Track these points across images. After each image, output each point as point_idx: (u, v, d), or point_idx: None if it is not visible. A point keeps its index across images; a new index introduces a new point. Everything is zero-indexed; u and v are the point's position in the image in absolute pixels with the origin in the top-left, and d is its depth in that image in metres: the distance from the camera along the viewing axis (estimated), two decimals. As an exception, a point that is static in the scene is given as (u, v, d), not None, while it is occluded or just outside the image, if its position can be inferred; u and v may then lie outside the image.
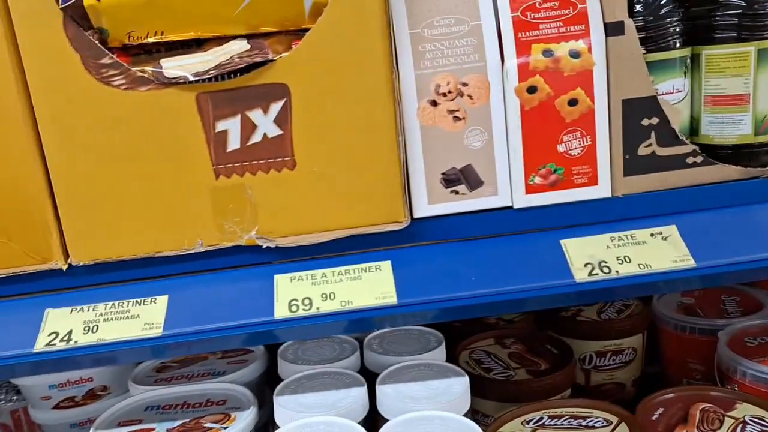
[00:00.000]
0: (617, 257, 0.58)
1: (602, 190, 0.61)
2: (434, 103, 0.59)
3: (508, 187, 0.61)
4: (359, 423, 0.65)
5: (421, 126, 0.59)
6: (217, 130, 0.56)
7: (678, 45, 0.59)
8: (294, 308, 0.58)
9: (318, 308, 0.58)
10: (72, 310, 0.59)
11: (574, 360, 0.82)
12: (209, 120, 0.56)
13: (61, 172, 0.57)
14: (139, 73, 0.54)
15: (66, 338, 0.57)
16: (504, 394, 0.78)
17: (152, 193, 0.57)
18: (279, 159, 0.57)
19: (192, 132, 0.56)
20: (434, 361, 0.74)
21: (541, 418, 0.68)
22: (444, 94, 0.58)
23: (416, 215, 0.61)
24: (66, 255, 0.59)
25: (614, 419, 0.65)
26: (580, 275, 0.58)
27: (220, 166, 0.57)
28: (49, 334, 0.57)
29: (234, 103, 0.55)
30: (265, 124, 0.56)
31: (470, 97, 0.59)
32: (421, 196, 0.60)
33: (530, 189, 0.60)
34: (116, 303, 0.59)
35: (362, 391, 0.67)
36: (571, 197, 0.61)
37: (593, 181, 0.60)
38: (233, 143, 0.57)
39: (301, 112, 0.56)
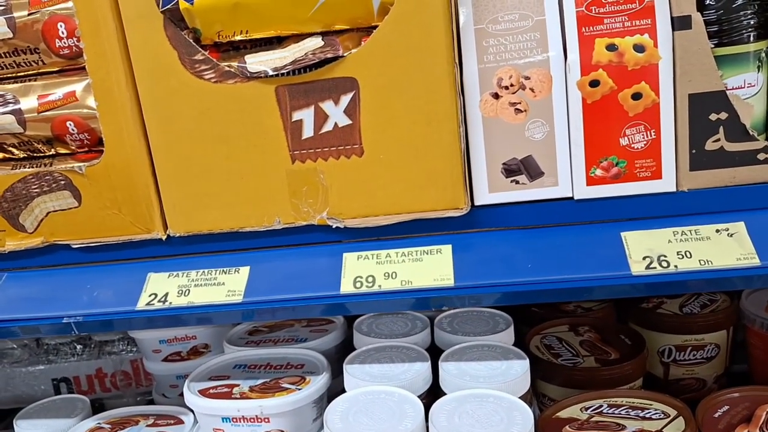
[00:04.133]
0: (678, 252, 0.58)
1: (666, 184, 0.60)
2: (496, 96, 0.61)
3: (568, 179, 0.62)
4: (420, 396, 0.69)
5: (483, 117, 0.61)
6: (293, 119, 0.62)
7: (752, 39, 0.57)
8: (358, 285, 0.63)
9: (380, 286, 0.62)
10: (169, 275, 0.67)
11: (644, 352, 0.81)
12: (286, 110, 0.62)
13: (162, 154, 0.65)
14: (227, 68, 0.61)
15: (163, 299, 0.65)
16: (569, 380, 0.79)
17: (238, 175, 0.64)
18: (348, 146, 0.62)
19: (271, 121, 0.62)
20: (499, 343, 0.77)
21: (600, 406, 0.69)
22: (506, 87, 0.60)
23: (477, 203, 0.64)
24: (165, 227, 0.67)
25: (672, 412, 0.65)
26: (637, 268, 0.58)
27: (295, 152, 0.63)
28: (150, 295, 0.66)
29: (308, 95, 0.61)
30: (336, 114, 0.61)
31: (532, 90, 0.60)
32: (482, 184, 0.63)
33: (591, 181, 0.61)
34: (206, 271, 0.67)
35: (425, 366, 0.72)
36: (634, 190, 0.61)
37: (657, 174, 0.60)
38: (307, 131, 0.62)
39: (369, 103, 0.60)
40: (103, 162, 0.65)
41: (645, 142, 0.59)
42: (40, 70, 0.67)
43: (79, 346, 1.18)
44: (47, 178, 0.67)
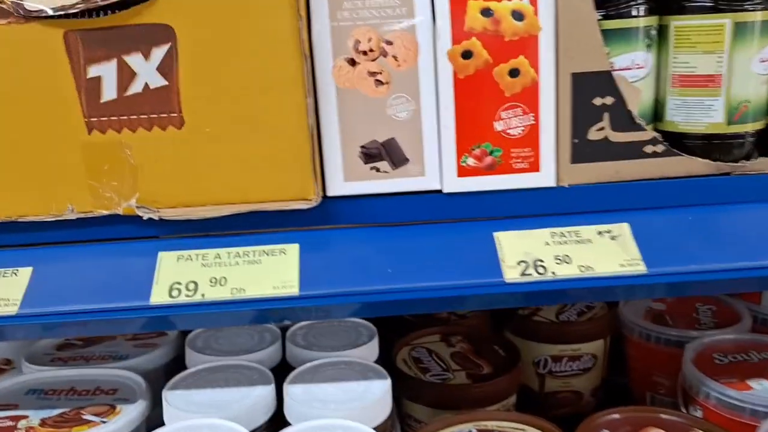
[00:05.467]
0: (556, 256, 0.50)
1: (545, 177, 0.52)
2: (353, 62, 0.50)
3: (437, 168, 0.52)
4: (259, 428, 0.57)
5: (338, 88, 0.50)
6: (89, 76, 0.47)
7: (641, 12, 0.50)
8: (175, 293, 0.49)
9: (203, 295, 0.49)
10: None
11: (518, 365, 0.74)
12: (80, 63, 0.47)
13: None
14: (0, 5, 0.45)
15: None
16: (437, 399, 0.70)
17: (17, 146, 0.49)
18: (164, 115, 0.49)
19: (61, 76, 0.47)
20: (357, 359, 0.66)
21: (469, 432, 0.60)
22: (364, 53, 0.50)
23: (330, 193, 0.52)
24: None
25: (546, 440, 0.57)
26: (511, 274, 0.49)
27: (93, 119, 0.48)
28: None
29: (109, 45, 0.47)
30: (147, 72, 0.48)
31: (395, 58, 0.50)
32: (336, 171, 0.52)
33: (462, 171, 0.52)
34: (-28, 273, 0.51)
35: (267, 390, 0.59)
36: (509, 184, 0.52)
37: (535, 166, 0.52)
38: (109, 92, 0.48)
39: (190, 60, 0.47)
40: None
41: (523, 128, 0.51)
42: None
43: None
44: None
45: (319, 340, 0.70)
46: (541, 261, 0.50)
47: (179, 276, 0.50)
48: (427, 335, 0.83)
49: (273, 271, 0.51)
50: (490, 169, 0.52)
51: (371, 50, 0.50)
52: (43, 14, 0.45)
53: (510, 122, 0.51)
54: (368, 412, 0.56)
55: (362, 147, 0.52)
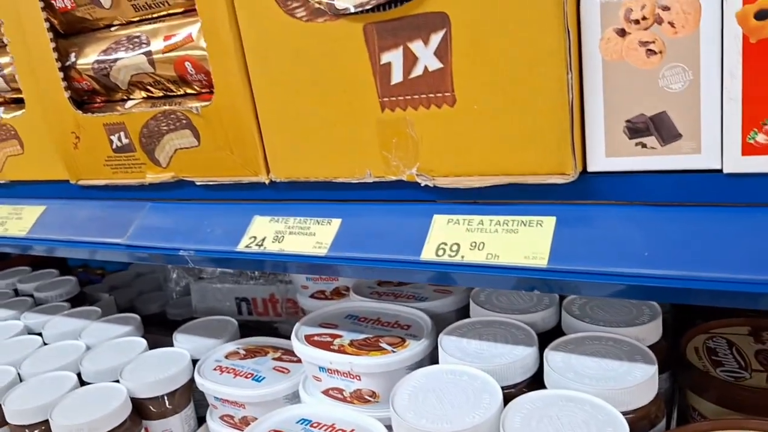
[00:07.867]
0: None
1: None
2: (622, 33, 0.47)
3: (716, 145, 0.46)
4: (517, 385, 0.61)
5: (604, 60, 0.48)
6: (382, 62, 0.56)
7: None
8: (440, 252, 0.56)
9: (463, 257, 0.55)
10: (271, 220, 0.68)
11: None
12: (375, 51, 0.55)
13: (263, 97, 0.64)
14: (317, 5, 0.56)
15: (260, 243, 0.66)
16: (726, 398, 0.63)
17: (330, 122, 0.61)
18: (439, 94, 0.54)
19: (361, 63, 0.56)
20: (629, 338, 0.64)
21: (743, 441, 0.53)
22: (636, 21, 0.46)
23: (591, 168, 0.51)
24: (269, 171, 0.67)
25: None
26: (796, 275, 0.42)
27: (385, 99, 0.57)
28: (250, 238, 0.67)
29: (396, 34, 0.54)
30: (426, 56, 0.53)
31: (671, 24, 0.45)
32: (598, 146, 0.51)
33: (749, 149, 0.45)
34: (302, 219, 0.65)
35: (528, 352, 0.62)
36: (813, 166, 0.44)
37: None
38: (396, 76, 0.55)
39: (462, 43, 0.51)
40: (214, 103, 0.67)
41: (837, 99, 0.42)
42: (169, 11, 0.70)
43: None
44: (172, 116, 0.70)
45: (595, 313, 0.70)
46: (843, 264, 0.41)
47: (446, 237, 0.56)
48: (734, 325, 0.74)
49: (527, 241, 0.53)
50: (788, 149, 0.44)
51: (644, 18, 0.46)
52: (348, 11, 0.54)
53: (819, 92, 0.42)
54: (623, 394, 0.55)
55: (628, 121, 0.49)
